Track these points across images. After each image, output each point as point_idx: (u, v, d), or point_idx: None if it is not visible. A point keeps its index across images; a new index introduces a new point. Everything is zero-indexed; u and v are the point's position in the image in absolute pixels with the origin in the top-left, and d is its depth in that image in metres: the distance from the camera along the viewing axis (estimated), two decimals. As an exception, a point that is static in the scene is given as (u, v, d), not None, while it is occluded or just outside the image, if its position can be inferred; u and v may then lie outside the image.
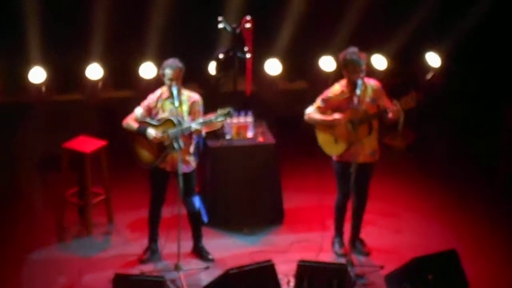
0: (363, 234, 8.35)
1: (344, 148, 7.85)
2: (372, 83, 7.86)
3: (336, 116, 7.76)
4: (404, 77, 11.67)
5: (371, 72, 7.84)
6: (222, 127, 8.50)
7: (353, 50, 7.70)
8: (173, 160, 7.80)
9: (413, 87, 7.57)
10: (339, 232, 8.33)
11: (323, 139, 7.96)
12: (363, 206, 8.16)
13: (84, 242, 8.58)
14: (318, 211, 8.72)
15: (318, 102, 7.90)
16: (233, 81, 9.02)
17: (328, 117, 7.82)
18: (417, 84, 11.61)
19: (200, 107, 7.87)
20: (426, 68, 11.81)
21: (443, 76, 11.75)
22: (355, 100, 7.62)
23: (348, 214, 8.11)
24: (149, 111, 7.88)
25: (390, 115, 7.66)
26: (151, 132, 7.74)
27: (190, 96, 7.87)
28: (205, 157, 8.71)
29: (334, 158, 8.01)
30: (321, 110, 7.87)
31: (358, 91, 7.60)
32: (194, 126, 7.65)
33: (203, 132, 7.85)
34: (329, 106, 7.84)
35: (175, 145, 7.60)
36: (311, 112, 7.91)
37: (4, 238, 8.60)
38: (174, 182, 7.81)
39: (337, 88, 7.85)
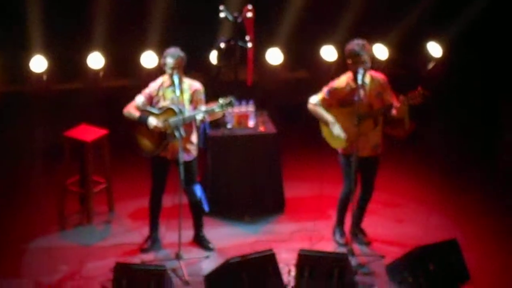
0: (364, 224, 8.35)
1: (348, 141, 7.83)
2: (378, 77, 7.83)
3: (336, 126, 7.77)
4: (405, 67, 11.66)
5: (373, 62, 7.79)
6: (223, 116, 8.49)
7: (358, 41, 7.67)
8: (174, 149, 7.78)
9: (420, 83, 7.52)
10: (340, 221, 8.32)
11: (327, 132, 7.92)
12: (368, 199, 8.15)
13: (85, 231, 8.58)
14: (319, 200, 8.71)
15: (324, 93, 7.84)
16: (234, 70, 8.99)
17: (329, 117, 7.80)
18: (419, 74, 11.60)
19: (202, 95, 7.85)
20: (428, 58, 11.79)
21: (445, 66, 11.73)
22: (361, 93, 7.61)
23: (351, 204, 8.10)
24: (150, 99, 7.86)
25: (394, 111, 7.64)
26: (152, 121, 7.72)
27: (192, 84, 7.86)
28: (206, 145, 8.71)
29: (339, 151, 7.99)
30: (327, 102, 7.82)
31: (359, 81, 7.58)
32: (198, 117, 7.63)
33: (207, 119, 7.84)
34: (335, 98, 7.80)
35: (176, 134, 7.59)
36: (316, 103, 7.88)
37: (5, 227, 8.60)
38: (175, 171, 7.80)
39: (343, 79, 7.81)
